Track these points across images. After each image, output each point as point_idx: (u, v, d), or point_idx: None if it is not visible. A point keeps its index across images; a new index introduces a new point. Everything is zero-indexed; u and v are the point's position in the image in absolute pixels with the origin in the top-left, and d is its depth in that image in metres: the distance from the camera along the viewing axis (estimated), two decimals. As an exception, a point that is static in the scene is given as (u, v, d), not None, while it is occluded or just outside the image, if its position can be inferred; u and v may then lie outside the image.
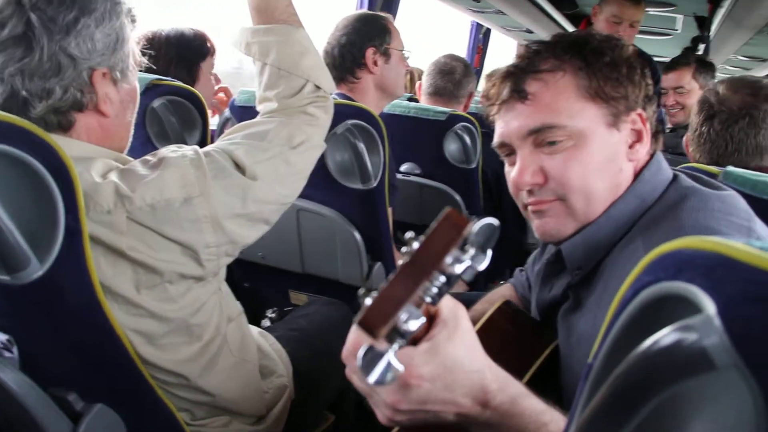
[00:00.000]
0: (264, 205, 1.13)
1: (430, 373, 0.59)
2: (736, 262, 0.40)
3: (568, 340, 0.98)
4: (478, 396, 0.62)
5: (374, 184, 1.58)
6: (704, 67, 2.63)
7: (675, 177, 0.97)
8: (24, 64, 0.94)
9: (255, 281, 1.85)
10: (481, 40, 5.36)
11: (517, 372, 0.80)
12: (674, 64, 2.70)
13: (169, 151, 1.07)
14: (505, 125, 0.97)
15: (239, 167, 1.09)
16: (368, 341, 0.53)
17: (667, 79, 2.68)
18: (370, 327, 0.43)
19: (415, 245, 0.47)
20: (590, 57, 0.93)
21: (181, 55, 1.80)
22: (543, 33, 4.63)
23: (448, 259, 0.45)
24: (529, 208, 0.97)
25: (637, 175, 0.96)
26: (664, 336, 0.41)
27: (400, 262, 0.49)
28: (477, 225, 0.47)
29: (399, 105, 2.33)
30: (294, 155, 1.18)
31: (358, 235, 1.61)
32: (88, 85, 0.99)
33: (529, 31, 4.64)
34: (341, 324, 1.63)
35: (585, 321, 0.93)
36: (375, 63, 1.89)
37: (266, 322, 1.69)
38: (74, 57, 0.96)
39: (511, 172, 0.97)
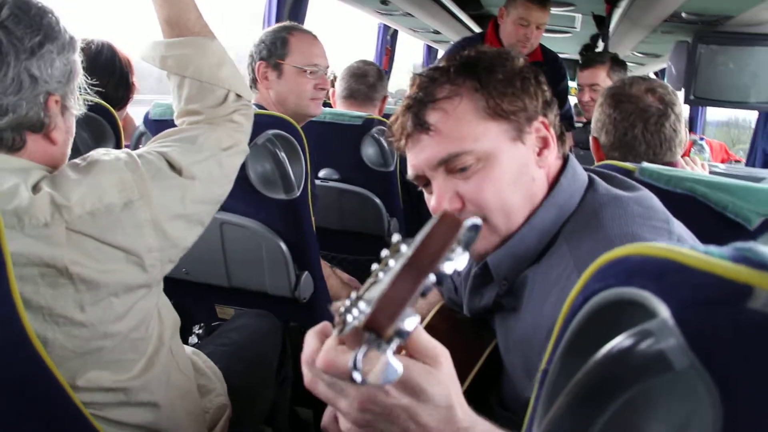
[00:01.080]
0: (201, 205, 1.13)
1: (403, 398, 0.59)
2: (685, 266, 0.41)
3: (507, 344, 1.01)
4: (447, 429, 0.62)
5: (297, 193, 1.57)
6: (618, 65, 2.74)
7: (591, 182, 1.00)
8: None
9: (180, 297, 1.79)
10: (388, 41, 5.41)
11: (462, 371, 0.82)
12: (589, 62, 2.80)
13: (100, 154, 1.04)
14: (414, 158, 0.98)
15: (174, 168, 1.08)
16: (351, 346, 0.52)
17: (583, 76, 2.77)
18: (377, 328, 0.43)
19: (404, 247, 0.48)
20: (484, 77, 0.95)
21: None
22: (450, 34, 4.72)
23: (442, 260, 0.46)
24: None
25: (553, 181, 0.99)
26: (623, 341, 0.42)
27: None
28: (466, 225, 0.48)
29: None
30: (225, 158, 1.18)
31: (284, 246, 1.59)
32: (44, 109, 0.99)
33: (437, 32, 4.71)
34: (271, 334, 1.61)
35: (520, 326, 0.96)
36: (266, 78, 1.85)
37: (193, 339, 1.65)
38: (36, 78, 0.96)
39: (430, 201, 0.99)
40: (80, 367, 0.98)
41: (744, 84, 2.63)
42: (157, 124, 1.53)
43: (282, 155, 1.51)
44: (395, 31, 5.33)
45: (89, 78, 1.11)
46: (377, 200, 2.44)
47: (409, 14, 3.75)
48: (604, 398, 0.42)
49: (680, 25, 2.71)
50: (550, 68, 2.58)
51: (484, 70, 0.95)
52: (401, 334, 0.45)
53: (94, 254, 0.96)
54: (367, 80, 2.66)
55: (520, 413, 0.63)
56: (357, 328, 0.47)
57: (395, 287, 0.44)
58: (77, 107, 1.07)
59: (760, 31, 2.59)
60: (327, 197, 2.35)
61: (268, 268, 1.61)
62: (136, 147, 1.69)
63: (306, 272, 1.64)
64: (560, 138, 1.01)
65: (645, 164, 1.21)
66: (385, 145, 2.41)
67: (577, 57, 6.91)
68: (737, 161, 4.25)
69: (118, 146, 1.53)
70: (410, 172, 1.00)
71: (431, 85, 0.96)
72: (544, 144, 0.98)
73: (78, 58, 1.05)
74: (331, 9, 4.08)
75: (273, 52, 1.84)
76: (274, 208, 1.56)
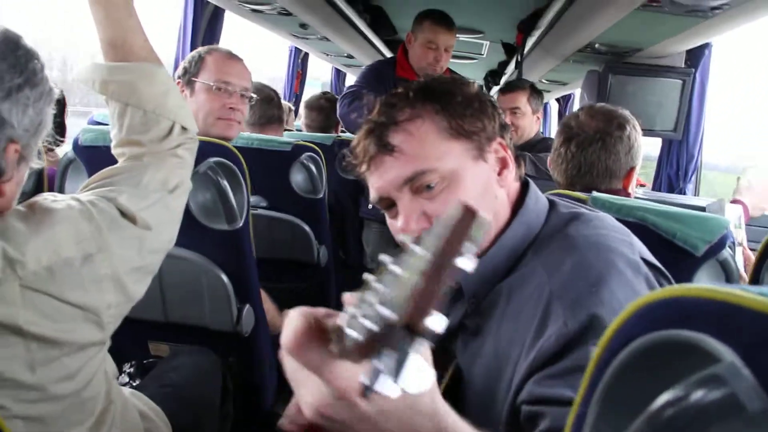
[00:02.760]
0: (155, 254, 1.07)
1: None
2: (746, 309, 0.42)
3: (472, 367, 1.00)
4: None
5: (240, 223, 1.51)
6: (536, 93, 2.84)
7: (552, 203, 1.04)
8: None
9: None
10: (299, 64, 5.38)
11: None
12: (511, 87, 2.88)
13: (48, 201, 0.95)
14: (379, 179, 0.98)
15: (127, 216, 1.01)
16: (359, 358, 0.49)
17: (504, 100, 2.83)
18: (413, 326, 0.40)
19: (417, 248, 0.45)
20: (443, 99, 0.97)
21: None
22: (363, 58, 4.75)
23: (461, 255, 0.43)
24: None
25: (515, 202, 1.02)
26: (689, 387, 0.42)
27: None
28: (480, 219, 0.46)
29: (241, 136, 2.25)
30: (172, 200, 1.12)
31: (225, 278, 1.52)
32: (2, 156, 0.89)
33: (350, 56, 4.73)
34: (211, 372, 1.53)
35: (488, 346, 0.96)
36: (182, 92, 1.78)
37: (124, 378, 1.54)
38: (3, 121, 0.88)
39: (395, 223, 0.98)
40: None
41: (650, 113, 2.80)
42: (88, 152, 1.43)
43: (224, 183, 1.45)
44: (306, 55, 5.31)
45: None
46: (306, 228, 2.40)
47: (325, 38, 3.75)
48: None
49: (592, 55, 2.85)
50: None
51: (443, 93, 0.97)
52: (425, 334, 0.43)
53: (50, 313, 0.88)
54: (275, 102, 2.67)
55: None
56: (379, 332, 0.43)
57: (426, 283, 0.41)
58: (35, 161, 0.98)
59: (666, 63, 2.76)
60: (255, 225, 2.27)
61: (209, 301, 1.53)
62: (63, 175, 1.58)
63: (247, 305, 1.57)
64: (516, 160, 1.04)
65: (596, 194, 1.25)
66: (315, 171, 2.38)
67: (481, 83, 7.16)
68: (642, 185, 4.50)
69: (40, 175, 1.42)
70: (373, 195, 1.00)
71: (391, 109, 0.97)
72: (503, 164, 1.00)
73: (51, 110, 0.97)
74: (243, 32, 4.01)
75: (188, 70, 1.79)
76: (215, 239, 1.50)
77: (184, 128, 1.17)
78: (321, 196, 2.42)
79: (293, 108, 4.42)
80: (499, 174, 1.00)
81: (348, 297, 0.60)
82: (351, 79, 7.08)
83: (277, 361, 1.80)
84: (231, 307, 1.54)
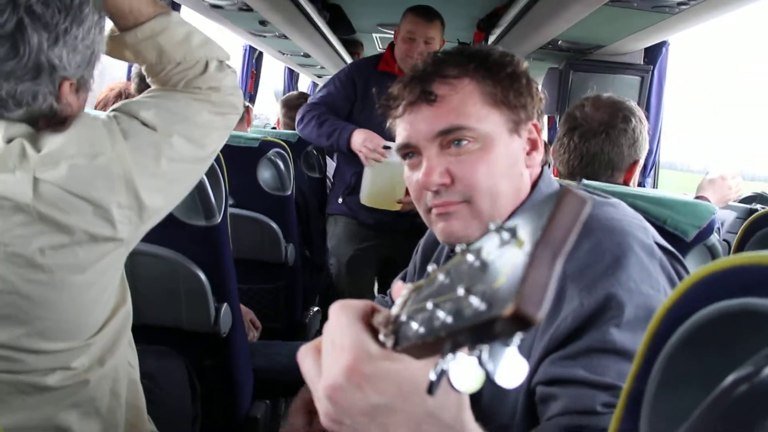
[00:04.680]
0: (176, 164, 1.06)
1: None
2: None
3: None
4: None
5: (218, 219, 1.46)
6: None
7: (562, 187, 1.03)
8: (4, 63, 0.89)
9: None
10: (253, 64, 5.30)
11: None
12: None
13: (80, 113, 1.02)
14: (411, 127, 0.98)
15: (148, 126, 1.03)
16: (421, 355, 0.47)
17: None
18: (528, 317, 0.35)
19: (529, 229, 0.40)
20: (493, 67, 0.97)
21: None
22: (320, 57, 4.71)
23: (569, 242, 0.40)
24: (434, 210, 0.99)
25: (534, 184, 1.02)
26: (765, 359, 0.40)
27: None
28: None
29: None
30: (209, 115, 1.14)
31: (203, 276, 1.47)
32: (58, 96, 0.95)
33: (306, 56, 4.68)
34: (177, 372, 1.49)
35: None
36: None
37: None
38: (55, 66, 0.93)
39: (414, 175, 0.99)
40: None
41: (610, 109, 2.85)
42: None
43: (203, 178, 1.40)
44: (260, 54, 5.23)
45: None
46: (274, 225, 2.35)
47: (284, 36, 3.69)
48: (757, 421, 0.40)
49: (553, 52, 2.89)
50: None
51: (494, 62, 0.98)
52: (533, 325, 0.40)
53: (59, 204, 0.92)
54: None
55: None
56: (465, 325, 0.39)
57: (536, 270, 0.38)
58: (92, 82, 1.05)
59: (625, 61, 2.82)
60: (223, 224, 2.23)
61: (186, 301, 1.47)
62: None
63: (225, 304, 1.52)
64: (545, 146, 1.05)
65: (586, 181, 1.25)
66: (282, 168, 2.34)
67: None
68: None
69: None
70: (400, 141, 1.01)
71: (441, 62, 0.98)
72: (534, 146, 1.02)
73: (102, 38, 1.02)
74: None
75: None
76: (193, 235, 1.44)
77: (220, 61, 1.18)
78: (289, 193, 2.38)
79: (251, 107, 4.35)
80: (528, 154, 1.01)
81: (398, 286, 0.57)
82: (304, 80, 7.01)
83: (252, 363, 1.75)
84: (209, 307, 1.48)
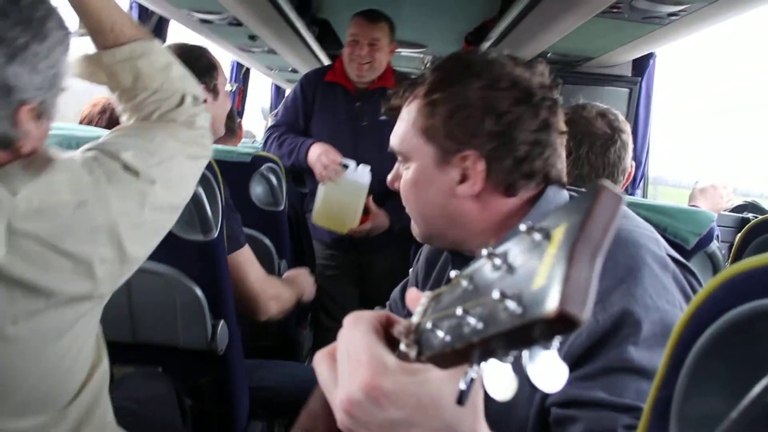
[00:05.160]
0: (160, 213, 1.02)
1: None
2: None
3: None
4: None
5: (215, 234, 1.44)
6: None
7: (571, 197, 1.01)
8: None
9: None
10: (241, 80, 5.29)
11: None
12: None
13: (51, 152, 0.92)
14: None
15: (130, 170, 0.96)
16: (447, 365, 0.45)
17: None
18: (573, 317, 0.33)
19: (568, 228, 0.38)
20: (435, 96, 0.96)
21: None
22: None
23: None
24: None
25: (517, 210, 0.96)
26: None
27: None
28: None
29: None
30: (188, 161, 1.08)
31: (200, 293, 1.44)
32: (14, 123, 0.84)
33: (295, 71, 4.68)
34: (167, 394, 1.46)
35: None
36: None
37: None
38: (11, 87, 0.80)
39: None
40: None
41: (600, 120, 2.87)
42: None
43: (200, 191, 1.38)
44: (248, 70, 5.23)
45: None
46: (267, 242, 2.33)
47: (272, 51, 3.69)
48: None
49: (542, 65, 2.90)
50: None
51: (429, 91, 0.98)
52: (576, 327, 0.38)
53: (36, 259, 0.82)
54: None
55: None
56: (501, 330, 0.37)
57: (578, 269, 0.35)
58: (56, 108, 0.92)
59: (613, 72, 2.84)
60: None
61: (182, 318, 1.45)
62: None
63: (222, 321, 1.50)
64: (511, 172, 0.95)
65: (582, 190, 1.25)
66: (275, 183, 2.32)
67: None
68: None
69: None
70: None
71: (407, 84, 1.02)
72: (464, 177, 0.95)
73: (66, 58, 0.91)
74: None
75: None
76: (189, 250, 1.42)
77: (195, 98, 1.14)
78: (282, 208, 2.36)
79: (242, 123, 4.34)
80: (461, 183, 0.95)
81: (413, 294, 0.55)
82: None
83: (249, 380, 1.73)
84: (206, 324, 1.46)
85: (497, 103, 0.92)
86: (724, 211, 2.33)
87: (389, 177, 1.07)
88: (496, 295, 0.38)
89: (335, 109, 2.60)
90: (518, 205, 0.96)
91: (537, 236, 0.39)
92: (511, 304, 0.37)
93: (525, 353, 0.38)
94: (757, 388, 0.42)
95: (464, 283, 0.45)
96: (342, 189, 2.46)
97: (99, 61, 1.07)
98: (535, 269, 0.37)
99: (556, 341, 0.37)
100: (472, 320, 0.41)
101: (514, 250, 0.41)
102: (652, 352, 0.75)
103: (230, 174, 2.21)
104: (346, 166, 2.42)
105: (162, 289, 1.42)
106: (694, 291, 0.86)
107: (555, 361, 0.38)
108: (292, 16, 2.90)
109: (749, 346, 0.46)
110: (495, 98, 0.92)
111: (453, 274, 0.49)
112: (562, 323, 0.34)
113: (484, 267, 0.44)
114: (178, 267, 1.43)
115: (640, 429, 0.53)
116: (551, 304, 0.34)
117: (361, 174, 2.44)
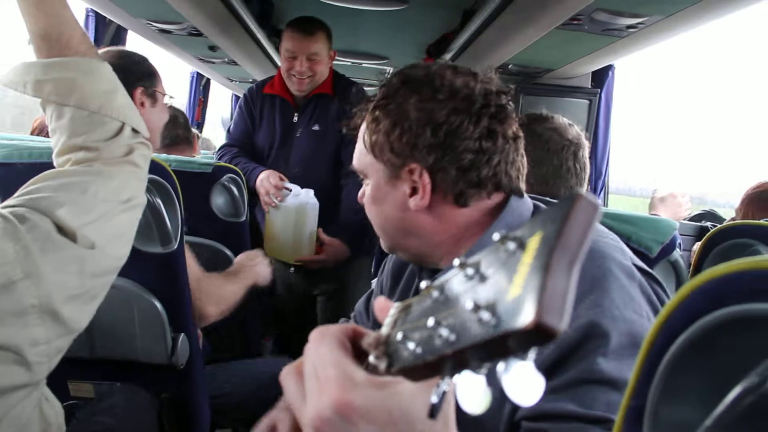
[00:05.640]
0: (100, 278, 0.93)
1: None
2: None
3: None
4: None
5: (174, 246, 1.40)
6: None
7: (536, 206, 1.01)
8: None
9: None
10: (201, 92, 5.23)
11: None
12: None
13: None
14: None
15: (65, 233, 0.86)
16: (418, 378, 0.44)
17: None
18: (550, 328, 0.32)
19: (544, 237, 0.37)
20: (377, 113, 0.96)
21: None
22: (270, 84, 4.67)
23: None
24: None
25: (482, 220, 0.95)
26: None
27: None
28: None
29: (158, 157, 2.13)
30: (123, 213, 0.98)
31: (159, 306, 1.40)
32: None
33: (255, 82, 4.64)
34: (146, 411, 1.41)
35: None
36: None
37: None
38: None
39: None
40: None
41: (561, 131, 2.91)
42: (1, 170, 1.28)
43: (158, 202, 1.35)
44: (208, 81, 5.17)
45: None
46: (229, 253, 2.29)
47: (233, 62, 3.65)
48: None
49: (503, 76, 2.93)
50: (341, 98, 2.44)
51: (375, 108, 0.97)
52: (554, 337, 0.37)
53: None
54: (179, 123, 2.54)
55: None
56: (474, 342, 0.36)
57: (555, 278, 0.34)
58: None
59: (572, 84, 2.88)
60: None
61: (141, 332, 1.41)
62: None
63: (182, 334, 1.46)
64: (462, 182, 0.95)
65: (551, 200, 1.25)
66: (236, 194, 2.29)
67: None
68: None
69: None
70: None
71: (367, 102, 1.01)
72: (414, 190, 0.95)
73: None
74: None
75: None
76: (148, 263, 1.38)
77: (135, 131, 1.05)
78: (243, 219, 2.33)
79: (199, 135, 4.28)
80: (410, 195, 0.95)
81: (382, 304, 0.54)
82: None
83: (210, 394, 1.68)
84: (165, 337, 1.42)
85: (434, 115, 0.91)
86: (684, 219, 2.38)
87: (359, 194, 1.06)
88: (469, 305, 0.36)
89: (275, 122, 2.53)
90: (476, 216, 0.95)
91: (511, 245, 0.38)
92: (485, 315, 0.35)
93: (500, 365, 0.37)
94: (732, 395, 0.42)
95: (435, 293, 0.44)
96: (285, 215, 2.37)
97: (38, 70, 1.00)
98: (509, 279, 0.36)
99: (533, 352, 0.36)
100: (444, 332, 0.39)
101: (487, 259, 0.40)
102: (621, 362, 0.74)
103: (190, 185, 2.17)
104: (289, 190, 2.34)
105: (120, 303, 1.38)
106: (660, 300, 0.86)
107: (531, 373, 0.37)
108: (253, 26, 2.88)
109: (724, 351, 0.46)
110: (432, 110, 0.91)
111: (423, 284, 0.48)
112: (538, 334, 0.32)
113: (455, 277, 0.42)
114: (137, 280, 1.39)
115: (613, 438, 0.53)
116: (527, 314, 0.33)
117: (305, 198, 2.35)
